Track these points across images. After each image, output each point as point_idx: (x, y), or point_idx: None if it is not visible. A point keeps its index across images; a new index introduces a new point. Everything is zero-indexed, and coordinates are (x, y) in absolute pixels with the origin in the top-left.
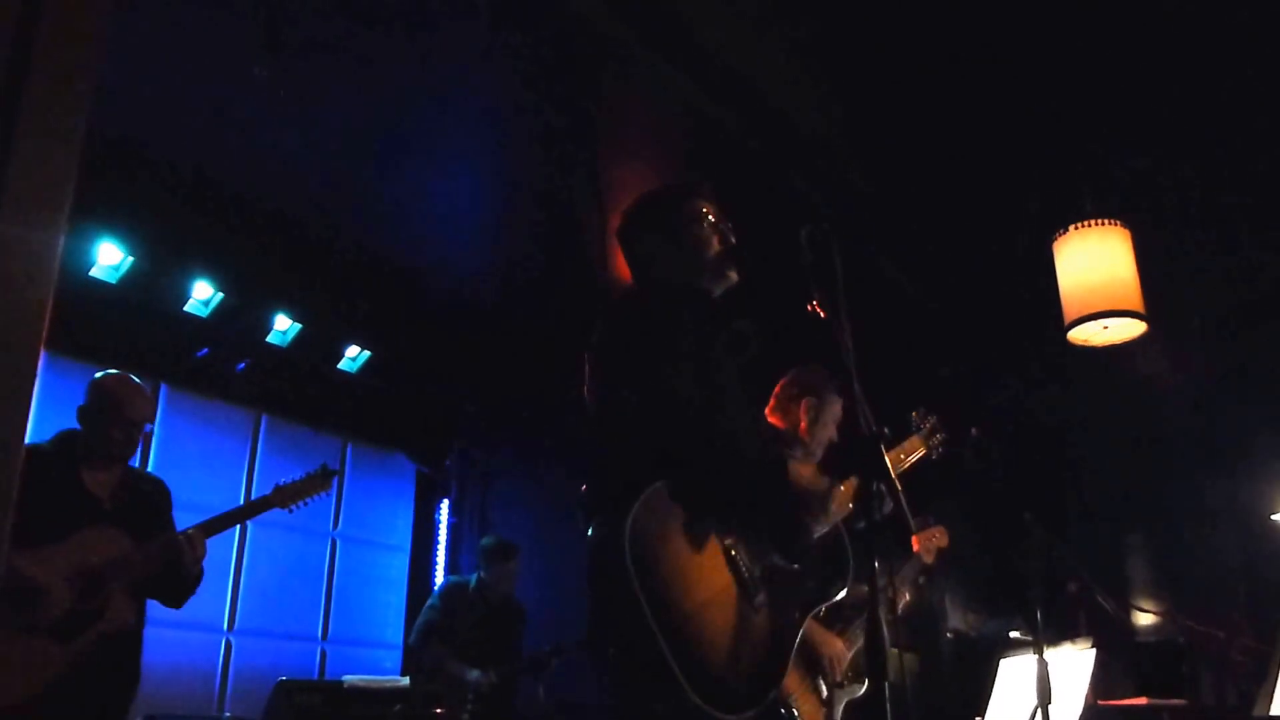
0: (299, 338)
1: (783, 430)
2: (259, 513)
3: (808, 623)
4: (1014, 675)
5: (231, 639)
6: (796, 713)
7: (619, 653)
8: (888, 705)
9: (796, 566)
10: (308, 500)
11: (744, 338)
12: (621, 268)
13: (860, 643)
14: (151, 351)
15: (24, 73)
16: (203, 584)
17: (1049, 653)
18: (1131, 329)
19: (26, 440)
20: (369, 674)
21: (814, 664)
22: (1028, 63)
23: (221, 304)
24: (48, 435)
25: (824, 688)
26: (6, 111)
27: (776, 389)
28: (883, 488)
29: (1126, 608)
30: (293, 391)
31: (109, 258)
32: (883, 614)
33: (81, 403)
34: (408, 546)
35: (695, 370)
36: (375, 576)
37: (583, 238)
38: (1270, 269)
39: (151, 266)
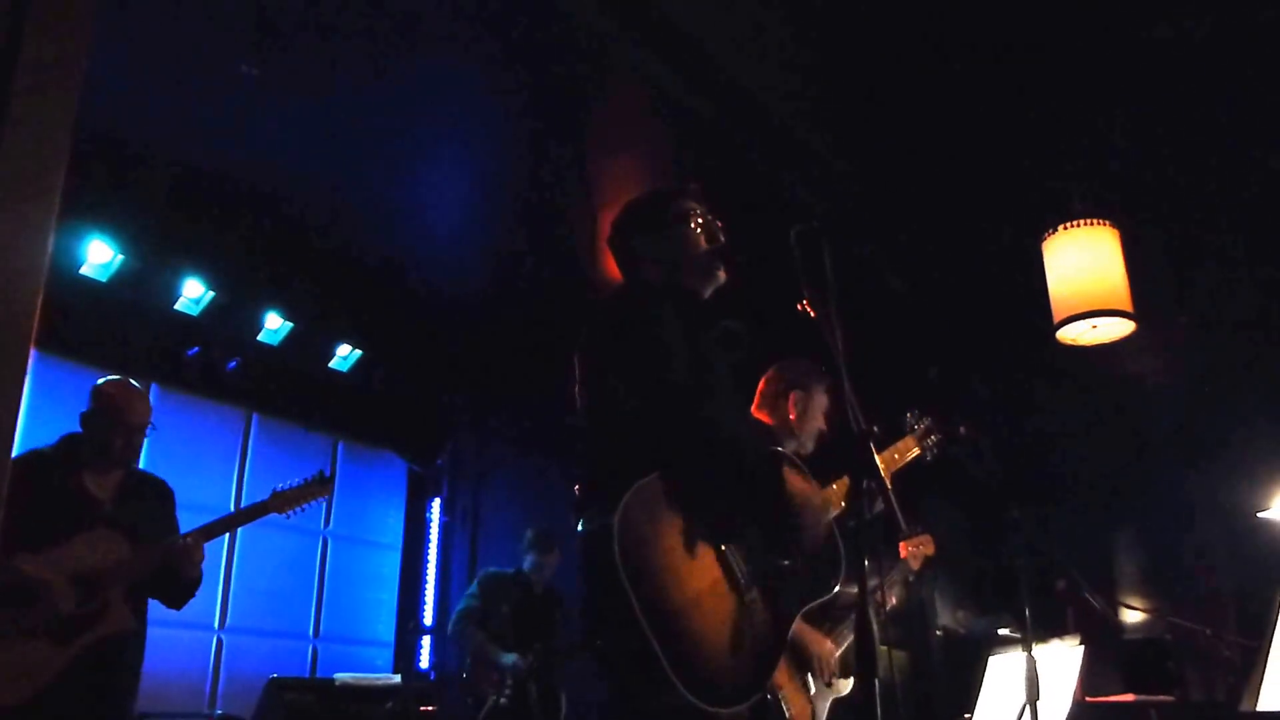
0: (290, 336)
1: (771, 425)
2: (256, 517)
3: (798, 622)
4: (1003, 672)
5: (223, 637)
6: (786, 708)
7: (611, 648)
8: (878, 702)
9: (788, 563)
10: (305, 506)
11: (734, 336)
12: (611, 266)
13: (848, 642)
14: (142, 350)
15: (11, 69)
16: None
17: (1037, 650)
18: (1120, 328)
19: (20, 439)
20: (361, 672)
21: (803, 662)
22: (1018, 62)
23: (212, 302)
24: (38, 434)
25: (812, 685)
26: None
27: (761, 385)
28: (873, 486)
29: (1114, 605)
30: (284, 390)
31: (99, 256)
32: (872, 612)
33: (84, 409)
34: (399, 545)
35: (687, 367)
36: (367, 575)
37: (572, 235)
38: (1258, 268)
39: (142, 265)
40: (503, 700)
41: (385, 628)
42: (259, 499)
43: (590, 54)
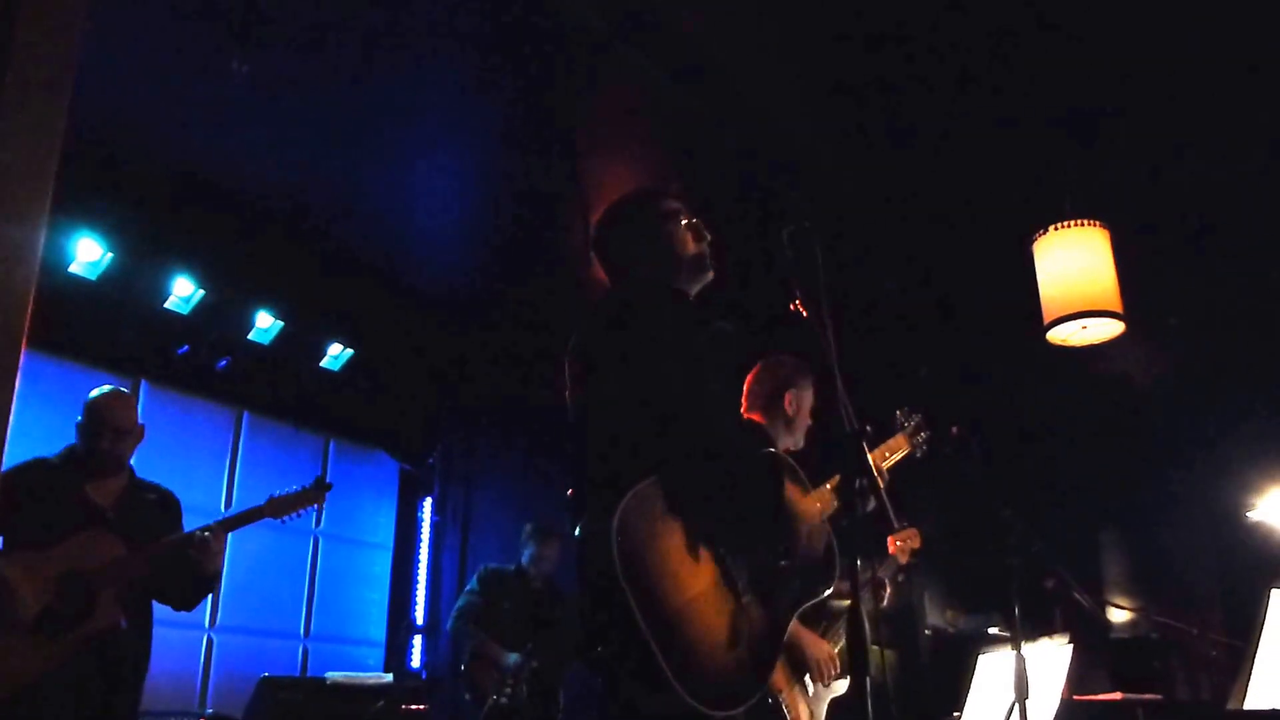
0: (281, 335)
1: (764, 424)
2: (251, 521)
3: (794, 624)
4: (992, 671)
5: (214, 636)
6: (788, 712)
7: (609, 651)
8: (869, 701)
9: (784, 564)
10: (300, 512)
11: (727, 336)
12: (600, 267)
13: (841, 641)
14: (132, 349)
15: (2, 70)
16: None
17: (1026, 648)
18: (1110, 329)
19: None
20: (352, 671)
21: (801, 664)
22: (1009, 63)
23: (202, 301)
24: (28, 432)
25: (810, 686)
26: None
27: (749, 383)
28: (865, 484)
29: (1102, 604)
30: (275, 389)
31: (88, 254)
32: (864, 611)
33: (77, 420)
34: (390, 544)
35: (680, 368)
36: (358, 574)
37: (564, 234)
38: (1246, 268)
39: (132, 263)
40: (503, 700)
41: (376, 627)
42: (250, 498)
43: (581, 52)
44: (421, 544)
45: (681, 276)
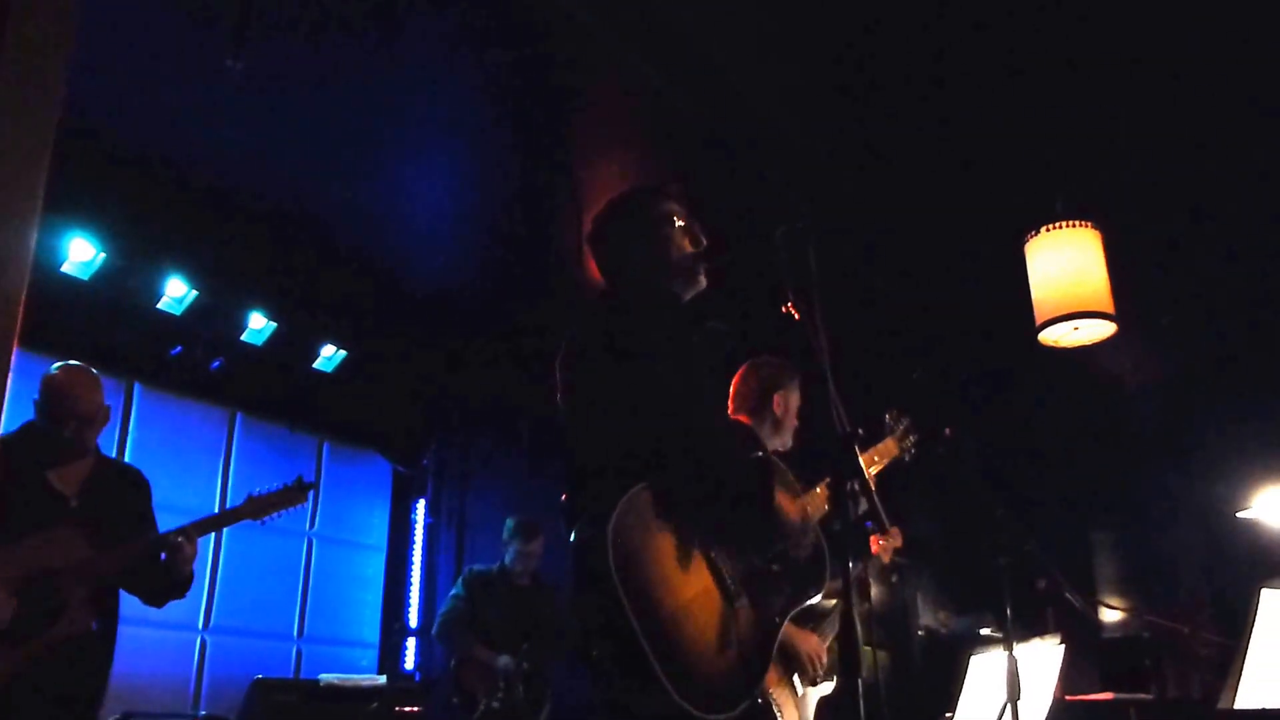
0: (274, 336)
1: (751, 427)
2: (230, 523)
3: (785, 624)
4: (984, 671)
5: (207, 638)
6: (778, 711)
7: (603, 654)
8: (861, 701)
9: (776, 568)
10: (282, 512)
11: (720, 338)
12: (595, 269)
13: (830, 640)
14: (124, 349)
15: None
16: None
17: (1018, 649)
18: (1102, 330)
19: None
20: (345, 673)
21: (790, 661)
22: (1000, 62)
23: (196, 302)
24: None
25: (799, 685)
26: None
27: (735, 385)
28: (857, 487)
29: (1094, 604)
30: (268, 390)
31: (81, 254)
32: (856, 611)
33: (35, 398)
34: (384, 546)
35: (672, 371)
36: (351, 576)
37: (559, 235)
38: (1238, 268)
39: (125, 263)
40: (495, 704)
41: (370, 629)
42: (240, 501)
43: (576, 52)
44: (415, 546)
45: (675, 279)
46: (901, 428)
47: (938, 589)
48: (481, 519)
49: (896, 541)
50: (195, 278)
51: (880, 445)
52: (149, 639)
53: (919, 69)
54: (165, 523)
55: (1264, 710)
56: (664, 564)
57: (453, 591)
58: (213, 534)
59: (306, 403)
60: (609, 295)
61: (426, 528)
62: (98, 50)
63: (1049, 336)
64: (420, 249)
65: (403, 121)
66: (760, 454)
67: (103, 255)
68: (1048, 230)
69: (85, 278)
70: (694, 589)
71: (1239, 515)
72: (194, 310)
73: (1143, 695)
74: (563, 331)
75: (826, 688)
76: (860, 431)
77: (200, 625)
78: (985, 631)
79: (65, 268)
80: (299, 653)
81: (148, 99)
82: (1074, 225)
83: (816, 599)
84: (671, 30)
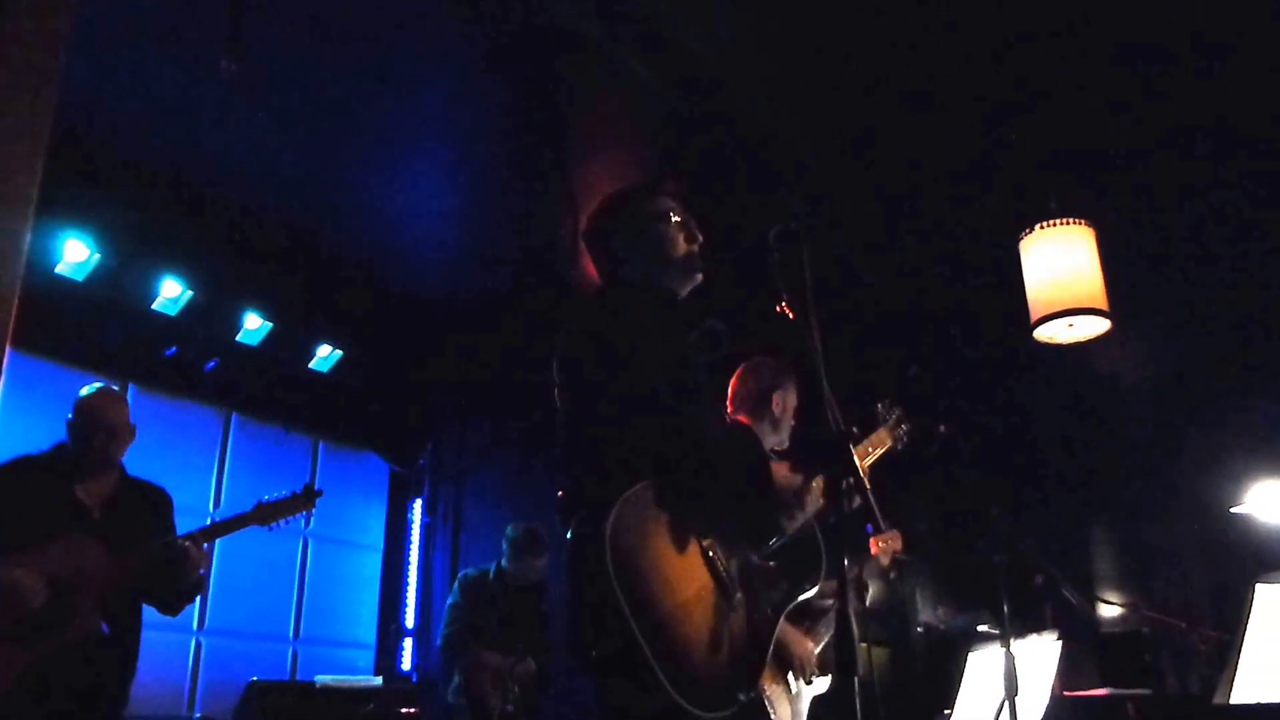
0: (269, 336)
1: (750, 426)
2: (238, 528)
3: (781, 622)
4: (982, 668)
5: (202, 639)
6: (772, 709)
7: (601, 653)
8: (857, 699)
9: (773, 564)
10: (289, 519)
11: (717, 336)
12: (590, 265)
13: (826, 639)
14: (119, 350)
15: None
16: None
17: (1016, 645)
18: (1096, 326)
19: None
20: (341, 674)
21: (784, 661)
22: (994, 62)
23: (191, 302)
24: (13, 433)
25: (793, 684)
26: None
27: (733, 385)
28: (853, 484)
29: (1091, 600)
30: (263, 391)
31: (75, 255)
32: (851, 609)
33: (68, 418)
34: (380, 545)
35: (667, 368)
36: (348, 576)
37: (553, 234)
38: (1231, 265)
39: (119, 264)
40: (509, 707)
41: (366, 629)
42: (239, 500)
43: (570, 52)
44: (411, 545)
45: (671, 276)
46: (894, 417)
47: (936, 586)
48: (478, 518)
49: (896, 544)
50: (190, 278)
51: (873, 436)
52: (144, 641)
53: (912, 67)
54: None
55: (1260, 704)
56: (661, 562)
57: (450, 600)
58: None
59: (302, 402)
60: (605, 293)
61: (423, 527)
62: (92, 52)
63: (1044, 333)
64: (415, 249)
65: (397, 123)
66: (759, 447)
67: (97, 256)
68: (1042, 228)
69: (80, 279)
70: (692, 587)
71: (1233, 510)
72: (189, 310)
73: (1141, 690)
74: (557, 331)
75: (821, 686)
76: (855, 430)
77: (195, 627)
78: (983, 628)
79: (60, 269)
80: (295, 654)
81: (142, 100)
82: (1068, 223)
83: (812, 593)
84: (666, 32)
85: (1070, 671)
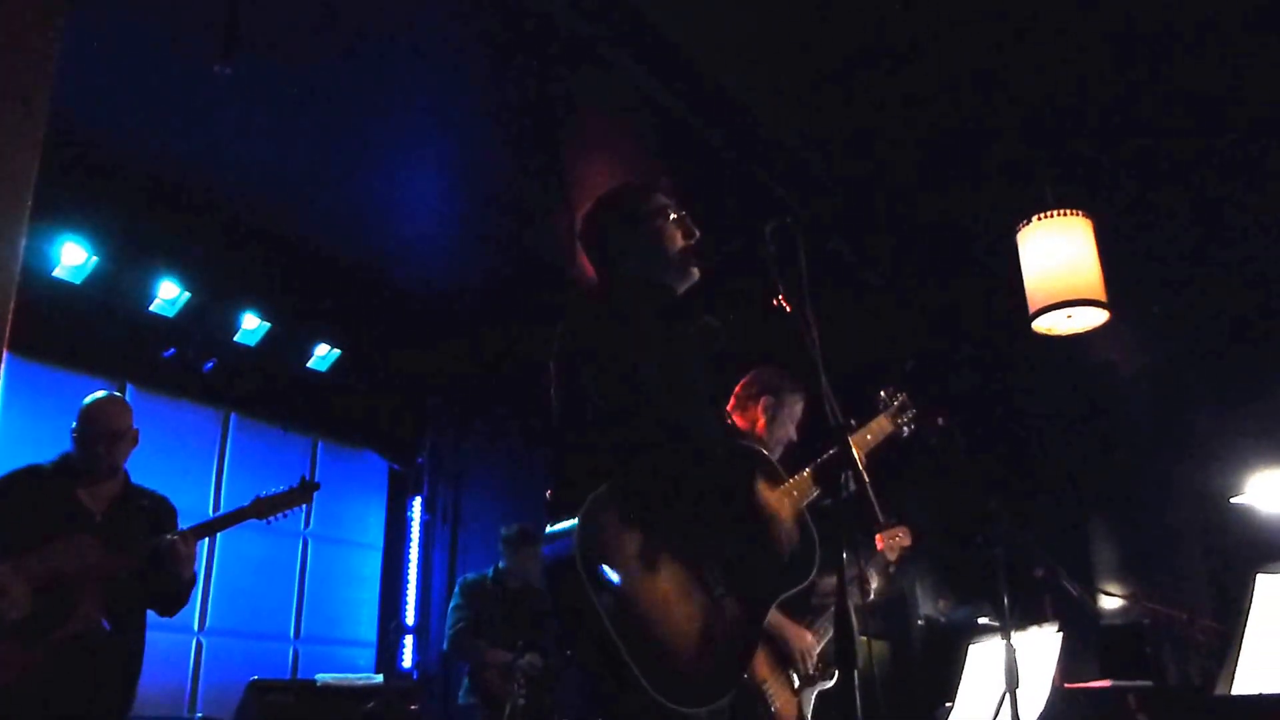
0: (267, 337)
1: (742, 430)
2: (237, 523)
3: (778, 616)
4: (983, 660)
5: (203, 639)
6: (772, 702)
7: (580, 653)
8: (857, 693)
9: (758, 559)
10: (287, 513)
11: (712, 332)
12: (588, 264)
13: (829, 634)
14: (117, 352)
15: None
16: None
17: (1016, 637)
18: (1094, 318)
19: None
20: (343, 672)
21: (786, 656)
22: (990, 52)
23: (188, 303)
24: (12, 436)
25: (795, 680)
26: None
27: (737, 389)
28: (851, 476)
29: (1091, 592)
30: (262, 391)
31: (73, 258)
32: (852, 603)
33: (72, 426)
34: (380, 544)
35: (658, 365)
36: (348, 575)
37: (549, 233)
38: (1229, 255)
39: (116, 266)
40: (520, 701)
41: (367, 628)
42: (238, 501)
43: (566, 52)
44: (411, 543)
45: (668, 273)
46: (896, 404)
47: (936, 579)
48: (477, 516)
49: (905, 540)
50: (187, 279)
51: (872, 423)
52: (145, 642)
53: (908, 60)
54: None
55: (1261, 695)
56: (638, 557)
57: (453, 604)
58: (208, 536)
59: (300, 402)
60: (601, 290)
61: (422, 525)
62: (87, 56)
63: (1042, 325)
64: (412, 248)
65: (392, 122)
66: (744, 443)
67: (95, 259)
68: (1039, 219)
69: (78, 282)
70: (670, 582)
71: (1233, 500)
72: (187, 311)
73: (1142, 682)
74: (554, 330)
75: (826, 683)
76: (852, 422)
77: (196, 627)
78: (984, 620)
79: (57, 272)
80: (296, 653)
81: (137, 103)
82: (1065, 214)
83: (804, 587)
84: (660, 31)
85: (1071, 663)
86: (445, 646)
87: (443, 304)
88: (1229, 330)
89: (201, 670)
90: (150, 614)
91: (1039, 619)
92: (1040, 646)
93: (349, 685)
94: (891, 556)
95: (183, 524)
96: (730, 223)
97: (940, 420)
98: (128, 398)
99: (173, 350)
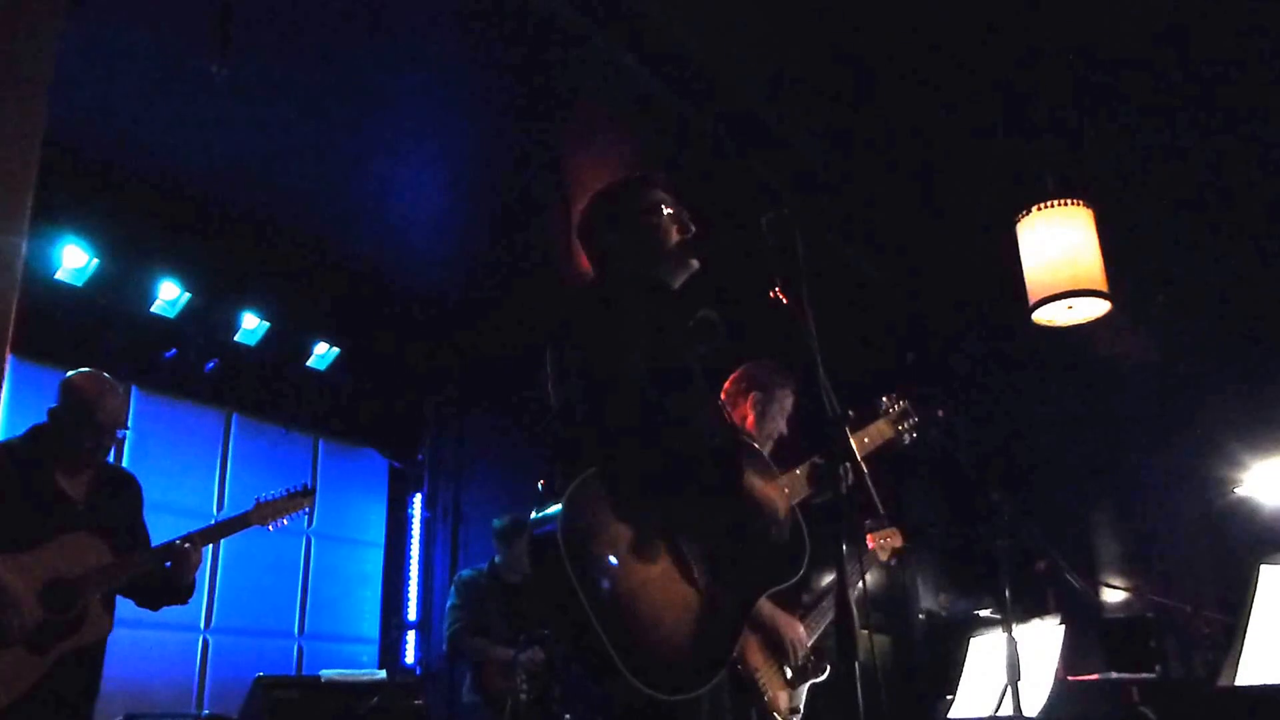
0: (268, 336)
1: (736, 425)
2: (239, 529)
3: (770, 606)
4: (984, 653)
5: (209, 637)
6: (765, 690)
7: (561, 638)
8: (858, 686)
9: (745, 549)
10: (288, 518)
11: (710, 326)
12: (585, 260)
13: (823, 628)
14: (119, 353)
15: None
16: None
17: (1018, 630)
18: (1095, 308)
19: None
20: (346, 668)
21: (777, 645)
22: (989, 41)
23: (189, 304)
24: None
25: (788, 670)
26: None
27: (727, 384)
28: (848, 468)
29: (1094, 584)
30: (263, 390)
31: (74, 260)
32: (851, 596)
33: (53, 403)
34: (382, 541)
35: (651, 358)
36: (350, 572)
37: (547, 231)
38: (1231, 245)
39: (117, 268)
40: (523, 696)
41: (370, 624)
42: (241, 500)
43: (563, 50)
44: (412, 540)
45: (664, 268)
46: (897, 409)
47: (938, 572)
48: (477, 512)
49: (896, 541)
50: (187, 280)
51: (871, 427)
52: (152, 641)
53: (907, 50)
54: (164, 525)
55: (1265, 686)
56: (619, 544)
57: (449, 603)
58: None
59: (301, 401)
60: (598, 286)
61: (423, 522)
62: (84, 58)
63: (1043, 316)
64: (411, 246)
65: (392, 122)
66: (739, 440)
67: (96, 261)
68: (1039, 209)
69: (79, 284)
70: (653, 569)
71: (1236, 491)
72: (187, 312)
73: (1145, 674)
74: (551, 326)
75: (819, 676)
76: (850, 414)
77: (202, 625)
78: (985, 613)
79: (59, 275)
80: (300, 649)
81: (135, 106)
82: (1066, 204)
83: (795, 580)
84: (657, 26)
85: (1074, 656)
86: (445, 647)
87: (441, 301)
88: (1232, 320)
89: (208, 667)
90: (152, 613)
91: (1042, 612)
92: (1043, 639)
93: (353, 681)
94: (883, 557)
95: (185, 524)
96: (727, 217)
97: (941, 413)
98: (130, 399)
99: (174, 351)
